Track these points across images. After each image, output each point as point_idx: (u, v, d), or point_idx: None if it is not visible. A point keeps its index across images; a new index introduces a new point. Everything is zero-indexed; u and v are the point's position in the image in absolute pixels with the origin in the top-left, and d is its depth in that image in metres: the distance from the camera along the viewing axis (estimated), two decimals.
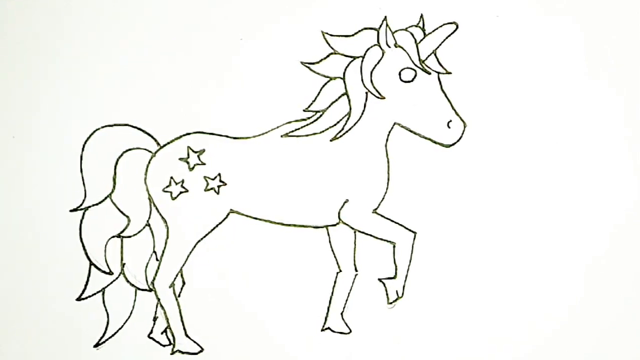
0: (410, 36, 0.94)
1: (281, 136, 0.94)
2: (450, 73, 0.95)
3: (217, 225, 0.94)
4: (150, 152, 0.94)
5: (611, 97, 0.95)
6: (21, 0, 0.96)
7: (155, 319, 0.95)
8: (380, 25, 0.94)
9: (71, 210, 0.94)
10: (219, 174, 0.94)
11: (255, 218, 0.94)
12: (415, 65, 0.94)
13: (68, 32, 0.96)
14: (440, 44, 0.94)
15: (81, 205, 0.94)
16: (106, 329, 0.94)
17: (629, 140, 0.95)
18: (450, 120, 0.93)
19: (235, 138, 0.95)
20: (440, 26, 0.94)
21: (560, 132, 0.95)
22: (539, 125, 0.95)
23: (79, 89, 0.95)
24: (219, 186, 0.94)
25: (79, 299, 0.94)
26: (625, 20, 0.96)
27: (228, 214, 0.94)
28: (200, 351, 0.95)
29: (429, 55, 0.94)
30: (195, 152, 0.94)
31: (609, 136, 0.95)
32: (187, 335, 0.95)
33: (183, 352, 0.95)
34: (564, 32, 0.96)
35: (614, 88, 0.96)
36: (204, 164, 0.94)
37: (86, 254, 0.94)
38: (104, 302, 0.95)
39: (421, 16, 0.95)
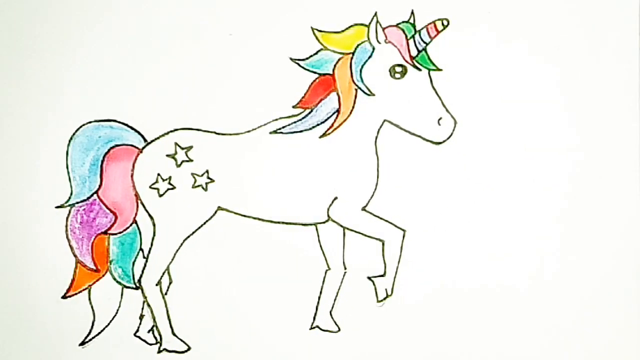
0: (400, 32, 0.94)
1: (270, 133, 0.94)
2: (440, 70, 0.94)
3: (204, 223, 0.94)
4: (137, 148, 0.94)
5: (604, 95, 0.95)
6: None
7: (141, 317, 0.95)
8: (371, 21, 0.94)
9: (57, 207, 0.94)
10: (207, 171, 0.94)
11: (244, 215, 0.94)
12: (406, 62, 0.94)
13: (54, 28, 0.96)
14: (431, 40, 0.94)
15: (67, 201, 0.94)
16: (92, 327, 0.94)
17: (620, 138, 0.95)
18: (441, 118, 0.94)
19: (223, 134, 0.94)
20: (431, 22, 0.94)
21: (551, 129, 0.95)
22: (530, 123, 0.95)
23: (65, 84, 0.95)
24: (206, 183, 0.94)
25: (64, 296, 0.94)
26: (618, 15, 0.96)
27: (216, 211, 0.94)
28: (187, 350, 0.95)
29: (419, 52, 0.94)
30: (183, 149, 0.94)
31: (600, 134, 0.95)
32: (174, 334, 0.95)
33: (170, 351, 0.95)
34: (556, 28, 0.96)
35: (608, 86, 0.95)
36: (192, 160, 0.94)
37: (72, 251, 0.94)
38: (89, 300, 0.95)
39: (412, 12, 0.95)
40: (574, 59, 0.95)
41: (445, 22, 0.95)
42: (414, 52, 0.94)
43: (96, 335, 0.94)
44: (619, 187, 0.95)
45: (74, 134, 0.94)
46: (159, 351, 0.95)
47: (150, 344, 0.95)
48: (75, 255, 0.94)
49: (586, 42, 0.95)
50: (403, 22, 0.95)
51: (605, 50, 0.96)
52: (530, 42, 0.95)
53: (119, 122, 0.94)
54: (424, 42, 0.94)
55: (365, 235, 0.95)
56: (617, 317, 0.95)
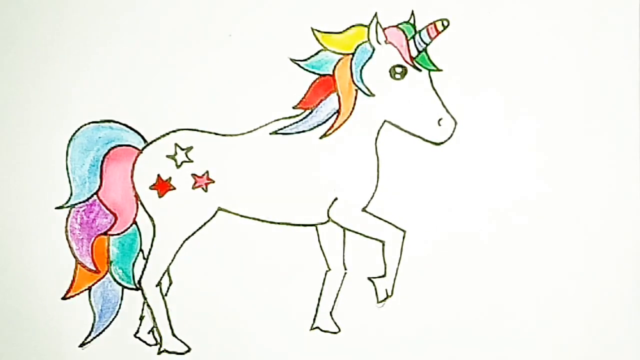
0: (401, 33, 0.95)
1: (270, 133, 0.94)
2: (441, 70, 0.95)
3: (204, 224, 0.94)
4: (137, 149, 0.95)
5: (605, 95, 0.95)
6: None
7: (141, 318, 0.95)
8: (371, 22, 0.94)
9: (57, 208, 0.94)
10: (207, 172, 0.94)
11: (244, 216, 0.95)
12: (406, 62, 0.94)
13: (53, 29, 0.96)
14: (431, 41, 0.94)
15: (67, 202, 0.94)
16: (92, 328, 0.95)
17: (621, 138, 0.96)
18: (441, 118, 0.94)
19: (223, 135, 0.95)
20: (431, 23, 0.94)
21: (551, 130, 0.95)
22: (530, 123, 0.95)
23: (65, 84, 0.95)
24: (207, 184, 0.94)
25: (64, 297, 0.94)
26: (619, 15, 0.96)
27: (216, 212, 0.94)
28: (188, 351, 0.95)
29: (420, 52, 0.94)
30: (183, 149, 0.94)
31: (602, 134, 0.95)
32: (174, 335, 0.95)
33: (170, 352, 0.95)
34: (555, 29, 0.96)
35: (609, 86, 0.96)
36: (192, 161, 0.94)
37: (72, 252, 0.94)
38: (90, 301, 0.95)
39: (412, 13, 0.95)
40: (575, 58, 0.96)
41: (445, 23, 0.95)
42: (414, 53, 0.94)
43: (96, 336, 0.95)
44: (620, 187, 0.95)
45: (73, 134, 0.94)
46: (159, 352, 0.95)
47: (151, 345, 0.95)
48: (75, 256, 0.94)
49: (587, 42, 0.96)
50: (403, 22, 0.95)
51: (606, 50, 0.96)
52: (531, 42, 0.95)
53: (119, 123, 0.95)
54: (424, 43, 0.94)
55: (366, 236, 0.95)
56: (622, 326, 0.96)
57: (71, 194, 0.94)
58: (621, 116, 0.95)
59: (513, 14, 0.96)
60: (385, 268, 0.95)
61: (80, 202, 0.94)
